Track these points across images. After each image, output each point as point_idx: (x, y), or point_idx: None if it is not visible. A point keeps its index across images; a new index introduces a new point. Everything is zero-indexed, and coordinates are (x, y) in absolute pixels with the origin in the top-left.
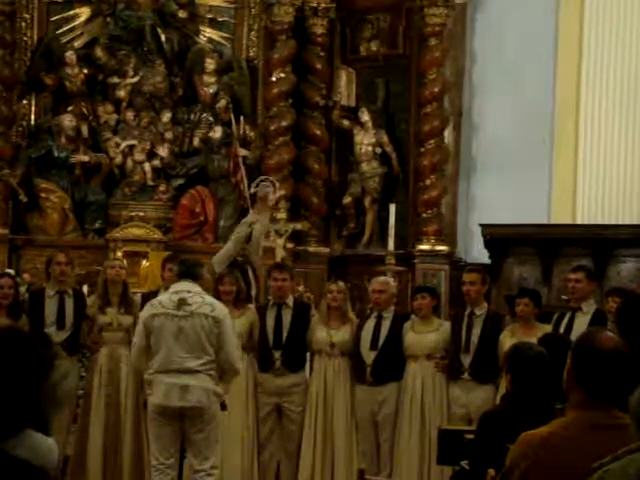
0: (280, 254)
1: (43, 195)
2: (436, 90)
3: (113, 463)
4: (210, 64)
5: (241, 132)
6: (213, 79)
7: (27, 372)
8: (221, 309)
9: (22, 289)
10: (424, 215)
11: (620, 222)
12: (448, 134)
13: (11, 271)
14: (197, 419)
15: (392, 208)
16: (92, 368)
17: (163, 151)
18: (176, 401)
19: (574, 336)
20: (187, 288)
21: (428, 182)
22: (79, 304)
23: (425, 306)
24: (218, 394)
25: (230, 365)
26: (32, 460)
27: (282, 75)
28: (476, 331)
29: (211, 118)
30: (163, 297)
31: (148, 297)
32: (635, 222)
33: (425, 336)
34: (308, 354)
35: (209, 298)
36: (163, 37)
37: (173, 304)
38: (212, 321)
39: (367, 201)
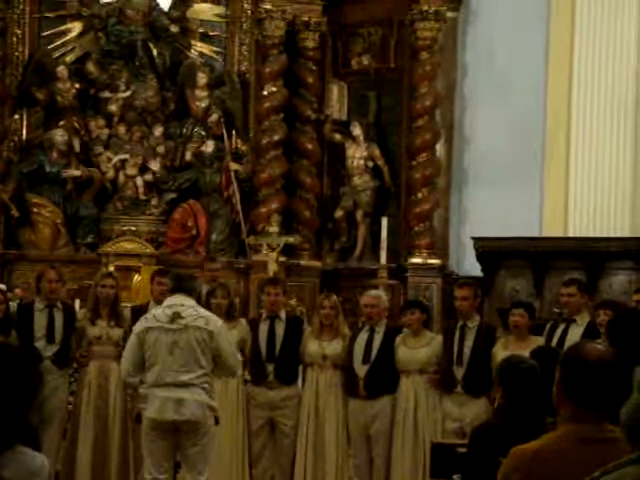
0: (272, 268)
1: (35, 210)
2: (427, 103)
3: (102, 477)
4: (202, 78)
5: (233, 146)
6: (205, 93)
7: (17, 388)
8: (215, 322)
9: (13, 304)
10: (416, 228)
11: (612, 235)
12: (440, 147)
13: (2, 286)
14: (192, 433)
15: (384, 222)
16: (81, 382)
17: (155, 165)
18: (170, 415)
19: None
20: (180, 302)
21: (420, 195)
22: (68, 318)
23: (415, 321)
24: (213, 408)
25: (227, 367)
26: (15, 477)
27: (274, 89)
28: (468, 344)
29: (203, 132)
30: (157, 311)
31: (138, 311)
32: (627, 235)
33: (417, 351)
34: (301, 367)
35: (203, 311)
36: (155, 52)
37: (167, 318)
38: (207, 334)
39: (359, 215)
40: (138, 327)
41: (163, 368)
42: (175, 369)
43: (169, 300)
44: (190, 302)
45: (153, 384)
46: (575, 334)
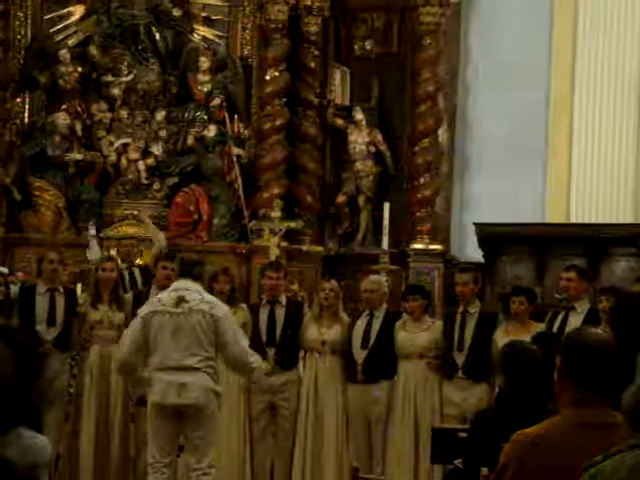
0: (274, 253)
1: (37, 193)
2: (430, 89)
3: (103, 461)
4: (204, 63)
5: (235, 131)
6: (207, 78)
7: (19, 369)
8: (220, 307)
9: (15, 287)
10: (418, 214)
11: (614, 221)
12: (442, 133)
13: (4, 269)
14: (195, 417)
15: (386, 207)
16: (83, 366)
17: (157, 149)
18: (174, 399)
19: None
20: (186, 286)
21: (422, 181)
22: (70, 302)
23: (416, 307)
24: (217, 393)
25: (237, 360)
26: (20, 460)
27: (276, 74)
28: (469, 329)
29: (205, 117)
30: (163, 295)
31: (139, 295)
32: (629, 221)
33: (417, 335)
34: (302, 352)
35: (209, 296)
36: (157, 35)
37: (172, 302)
38: (210, 319)
39: (361, 200)
40: (143, 310)
41: (167, 352)
42: (179, 353)
43: (175, 284)
44: (196, 287)
45: (156, 368)
46: (575, 321)
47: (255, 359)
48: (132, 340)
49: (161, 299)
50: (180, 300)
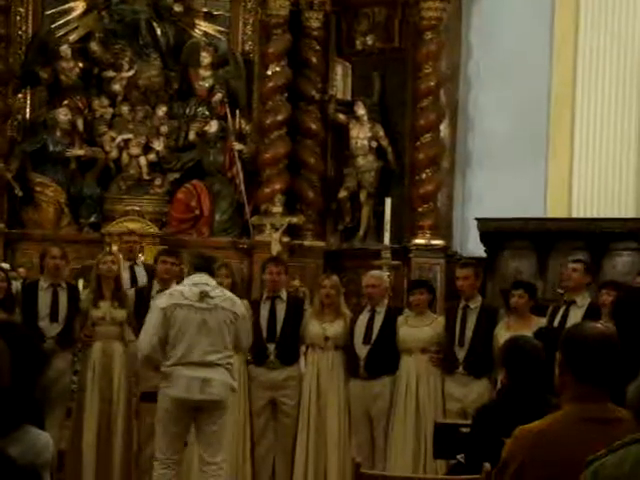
0: (276, 248)
1: (38, 189)
2: (432, 84)
3: (106, 457)
4: (205, 58)
5: (237, 126)
6: (208, 73)
7: (22, 366)
8: (240, 304)
9: (17, 283)
10: (420, 209)
11: (615, 216)
12: (444, 128)
13: (6, 265)
14: (213, 412)
15: (388, 202)
16: (85, 362)
17: (159, 145)
18: (197, 394)
19: None
20: (206, 281)
21: (424, 176)
22: (73, 298)
23: (422, 302)
24: (234, 389)
25: (239, 348)
26: (22, 457)
27: (277, 69)
28: (470, 324)
29: (207, 112)
30: (183, 288)
31: (141, 292)
32: (630, 216)
33: (420, 330)
34: (303, 348)
35: (228, 292)
36: (158, 31)
37: (195, 296)
38: (232, 316)
39: (363, 195)
40: (163, 302)
41: (190, 346)
42: (203, 348)
43: (193, 278)
44: (213, 282)
45: (177, 362)
46: (576, 315)
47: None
48: (154, 332)
49: (183, 292)
50: (204, 295)
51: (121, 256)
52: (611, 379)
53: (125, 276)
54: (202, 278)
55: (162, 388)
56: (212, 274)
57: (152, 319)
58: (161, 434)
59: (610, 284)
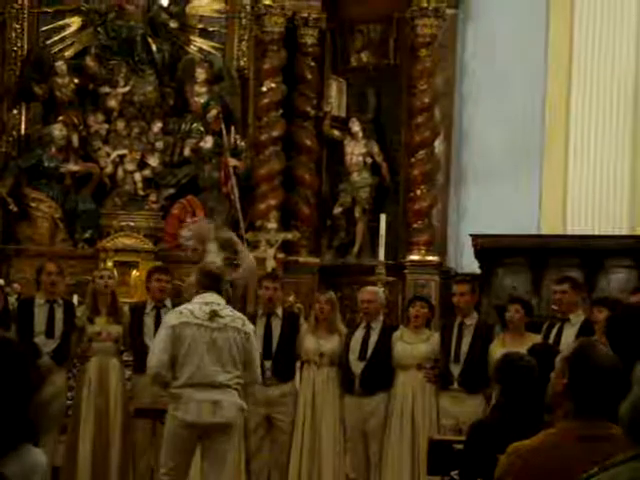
0: (270, 264)
1: (33, 205)
2: (427, 100)
3: (102, 473)
4: (201, 74)
5: (232, 142)
6: (204, 89)
7: (18, 383)
8: (249, 324)
9: (12, 299)
10: (415, 225)
11: (610, 232)
12: (439, 144)
13: (0, 281)
14: (223, 433)
15: (382, 218)
16: (81, 378)
17: (154, 161)
18: (208, 417)
19: (563, 347)
20: (216, 300)
21: (419, 192)
22: (69, 314)
23: (423, 315)
24: (243, 409)
25: (254, 380)
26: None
27: (273, 85)
28: (466, 341)
29: (202, 128)
30: (192, 306)
31: (136, 309)
32: (625, 233)
33: (416, 346)
34: (298, 364)
35: (237, 312)
36: (154, 47)
37: (205, 315)
38: (243, 336)
39: (358, 211)
40: (172, 320)
41: (199, 367)
42: (212, 369)
43: (203, 297)
44: (223, 302)
45: (186, 383)
46: (570, 333)
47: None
48: (163, 350)
49: (193, 311)
50: (214, 314)
51: (115, 272)
52: (610, 404)
53: None
54: (212, 297)
55: (171, 410)
56: (220, 293)
57: (161, 337)
58: (168, 456)
59: (601, 302)
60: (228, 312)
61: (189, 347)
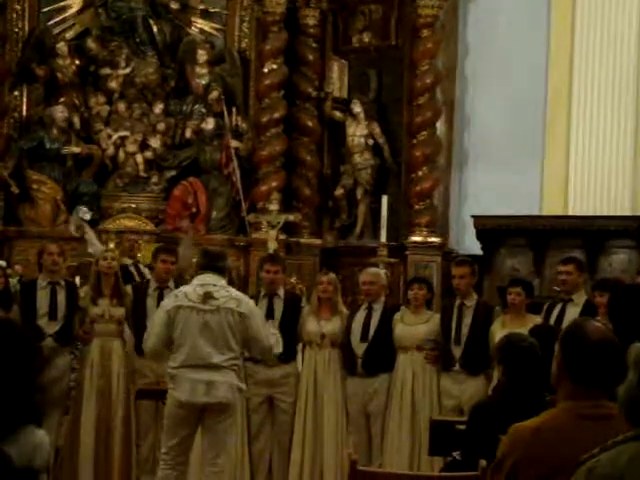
0: (272, 245)
1: (35, 187)
2: (428, 81)
3: (104, 455)
4: (202, 55)
5: (233, 124)
6: (205, 70)
7: (19, 362)
8: (247, 303)
9: (14, 280)
10: (416, 207)
11: (612, 213)
12: (440, 125)
13: (2, 262)
14: (220, 413)
15: (384, 200)
16: (84, 360)
17: (155, 142)
18: (202, 397)
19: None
20: (212, 281)
21: (420, 174)
22: (71, 295)
23: (421, 297)
24: (241, 389)
25: (263, 354)
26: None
27: (274, 66)
28: (466, 322)
29: (203, 109)
30: (188, 289)
31: (139, 289)
32: (626, 213)
33: (416, 328)
34: (300, 345)
35: (235, 292)
36: (155, 28)
37: (199, 297)
38: (238, 317)
39: (359, 193)
40: (168, 304)
41: (193, 349)
42: (206, 350)
43: (200, 278)
44: (222, 282)
45: (182, 365)
46: (572, 313)
47: (275, 341)
48: (157, 333)
49: (187, 294)
50: (208, 296)
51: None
52: (608, 380)
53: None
54: (210, 278)
55: (169, 391)
56: (221, 272)
57: (156, 320)
58: (168, 435)
59: (600, 285)
60: (223, 293)
61: (182, 330)
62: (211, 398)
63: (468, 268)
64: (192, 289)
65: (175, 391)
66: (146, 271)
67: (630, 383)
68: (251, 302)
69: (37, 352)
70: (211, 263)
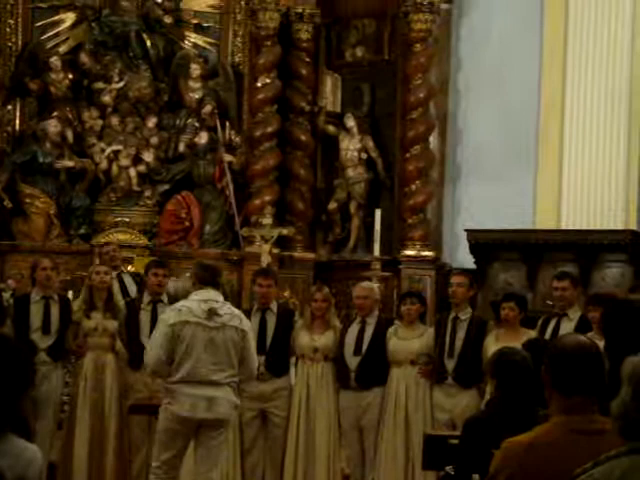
0: (266, 260)
1: (28, 201)
2: (421, 95)
3: (98, 468)
4: (195, 69)
5: (226, 138)
6: (198, 84)
7: (10, 377)
8: (246, 321)
9: (7, 295)
10: (409, 221)
11: (605, 227)
12: (433, 139)
13: None
14: (216, 429)
15: (377, 214)
16: (77, 374)
17: (148, 156)
18: (202, 413)
19: None
20: (214, 297)
21: (413, 187)
22: (64, 310)
23: (414, 311)
24: (237, 405)
25: (250, 374)
26: (10, 469)
27: (267, 81)
28: (460, 335)
29: (197, 124)
30: (191, 304)
31: (132, 304)
32: (619, 227)
33: (410, 342)
34: (293, 359)
35: (235, 309)
36: (148, 42)
37: (204, 313)
38: (240, 334)
39: (353, 207)
40: (172, 318)
41: (196, 365)
42: (208, 367)
43: (201, 294)
44: (221, 298)
45: (181, 380)
46: (567, 328)
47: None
48: (160, 347)
49: (192, 309)
50: (212, 313)
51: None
52: (594, 389)
53: (115, 285)
54: (211, 294)
55: (165, 405)
56: (218, 287)
57: (159, 335)
58: (162, 449)
59: (594, 300)
60: (226, 310)
61: (187, 346)
62: (212, 414)
63: (467, 278)
64: (196, 305)
65: (173, 406)
66: (130, 282)
67: (624, 397)
68: (249, 322)
69: (31, 366)
70: (212, 278)
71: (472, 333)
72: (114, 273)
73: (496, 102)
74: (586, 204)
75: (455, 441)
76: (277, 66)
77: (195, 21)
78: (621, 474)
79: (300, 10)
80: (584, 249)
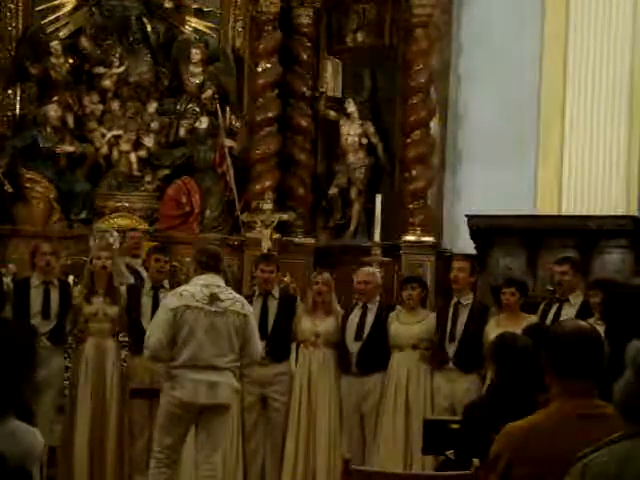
0: (266, 245)
1: (28, 185)
2: (422, 81)
3: (99, 453)
4: (196, 54)
5: (227, 123)
6: (199, 69)
7: (12, 361)
8: (248, 306)
9: (7, 279)
10: (410, 206)
11: (606, 213)
12: (434, 125)
13: None
14: (218, 414)
15: (378, 199)
16: (78, 359)
17: (149, 141)
18: (204, 398)
19: None
20: (216, 282)
21: (414, 173)
22: (64, 294)
23: (415, 296)
24: (238, 390)
25: (252, 358)
26: (10, 451)
27: (268, 66)
28: (461, 321)
29: (197, 108)
30: (193, 289)
31: (133, 288)
32: (620, 213)
33: (411, 327)
34: (294, 345)
35: (236, 294)
36: (149, 27)
37: (206, 298)
38: (242, 319)
39: (353, 192)
40: (174, 303)
41: (198, 350)
42: (210, 352)
43: (204, 279)
44: (223, 283)
45: (183, 365)
46: (569, 313)
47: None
48: (162, 332)
49: (194, 294)
50: (214, 298)
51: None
52: (593, 372)
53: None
54: (213, 279)
55: (166, 389)
56: (219, 272)
57: (161, 319)
58: (163, 434)
59: (595, 285)
60: (228, 295)
61: (189, 330)
62: (213, 399)
63: (469, 263)
64: (198, 289)
65: (175, 390)
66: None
67: (627, 380)
68: (250, 306)
69: (32, 351)
70: (213, 263)
71: (473, 318)
72: (127, 258)
73: (497, 87)
74: (587, 190)
75: (455, 426)
76: (278, 51)
77: (196, 6)
78: (623, 458)
79: None
80: (585, 235)
